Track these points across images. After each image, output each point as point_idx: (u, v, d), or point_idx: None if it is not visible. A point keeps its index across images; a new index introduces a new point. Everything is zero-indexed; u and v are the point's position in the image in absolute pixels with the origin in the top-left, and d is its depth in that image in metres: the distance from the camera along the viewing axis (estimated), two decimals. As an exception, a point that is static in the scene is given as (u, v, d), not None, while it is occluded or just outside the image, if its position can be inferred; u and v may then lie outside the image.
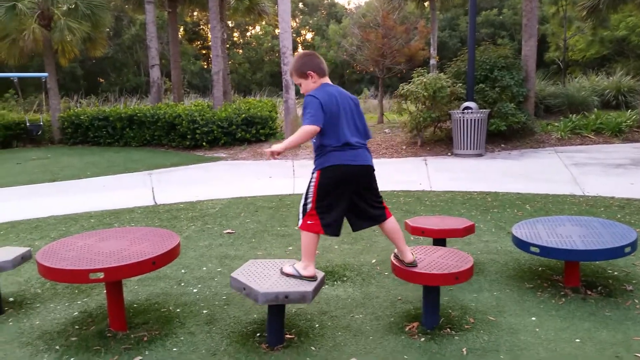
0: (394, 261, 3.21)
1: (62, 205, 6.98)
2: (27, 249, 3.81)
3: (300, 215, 3.06)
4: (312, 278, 3.00)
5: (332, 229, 3.01)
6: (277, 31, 42.12)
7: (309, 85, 3.05)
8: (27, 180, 9.12)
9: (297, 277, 3.01)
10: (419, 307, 3.41)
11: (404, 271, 3.09)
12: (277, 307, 2.95)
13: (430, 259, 3.22)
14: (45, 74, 14.42)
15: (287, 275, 3.05)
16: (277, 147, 2.92)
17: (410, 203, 6.67)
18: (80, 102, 23.63)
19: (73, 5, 15.38)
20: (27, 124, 14.93)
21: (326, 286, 3.86)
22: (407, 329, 3.16)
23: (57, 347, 3.04)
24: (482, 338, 3.01)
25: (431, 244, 4.07)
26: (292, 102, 11.58)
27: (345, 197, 3.04)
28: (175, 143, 12.85)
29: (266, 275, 3.05)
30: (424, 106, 10.94)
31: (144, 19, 17.90)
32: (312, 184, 3.04)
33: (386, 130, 13.64)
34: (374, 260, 4.44)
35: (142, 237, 3.41)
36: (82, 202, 7.12)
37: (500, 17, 34.54)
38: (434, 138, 11.64)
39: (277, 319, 2.99)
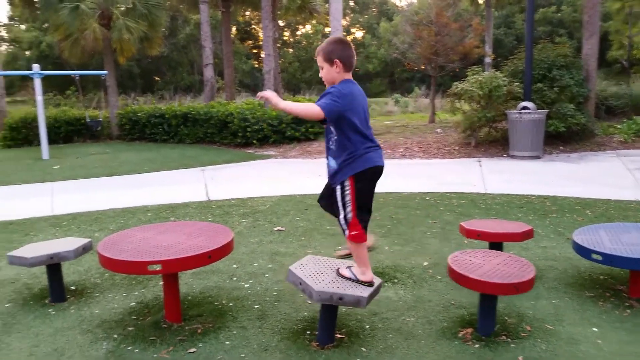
0: (451, 264, 3.13)
1: (120, 199, 7.24)
2: (88, 240, 3.97)
3: (344, 227, 2.95)
4: (369, 284, 2.95)
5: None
6: (327, 30, 42.23)
7: (331, 73, 2.88)
8: (87, 174, 9.54)
9: (354, 281, 2.97)
10: (473, 313, 3.32)
11: (461, 276, 3.00)
12: (329, 307, 2.94)
13: (491, 266, 3.11)
14: (105, 72, 15.04)
15: (344, 277, 3.00)
16: (273, 98, 2.77)
17: (464, 205, 6.50)
18: (137, 100, 24.51)
19: (131, 5, 15.96)
20: (87, 120, 15.62)
21: (377, 287, 3.82)
22: (460, 334, 3.07)
23: (115, 336, 3.15)
24: (540, 347, 2.89)
25: (487, 248, 3.95)
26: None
27: (371, 196, 3.04)
28: (226, 141, 13.10)
29: (323, 274, 3.04)
30: (478, 105, 10.67)
31: (199, 18, 18.36)
32: (348, 192, 2.91)
33: (438, 130, 13.40)
34: (425, 263, 4.36)
35: (198, 232, 3.48)
36: (139, 196, 7.36)
37: (559, 15, 33.22)
38: (488, 138, 11.32)
39: (329, 319, 2.98)
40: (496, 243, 4.01)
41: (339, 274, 3.03)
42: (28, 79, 32.71)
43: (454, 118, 12.67)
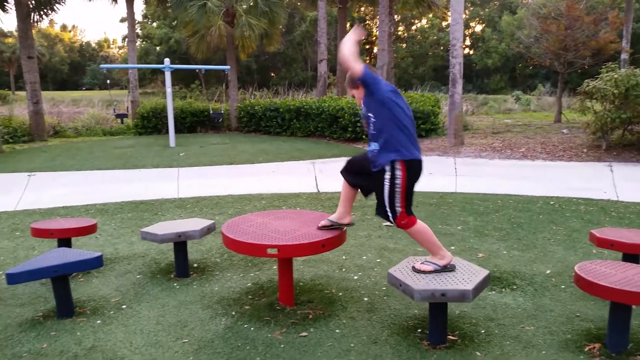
0: (579, 272, 2.88)
1: (238, 186, 7.64)
2: (212, 221, 4.23)
3: (391, 217, 3.00)
4: (450, 265, 2.97)
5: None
6: (444, 24, 41.04)
7: (360, 94, 3.10)
8: (208, 161, 10.18)
9: (439, 270, 2.95)
10: (601, 327, 3.02)
11: (589, 283, 2.74)
12: (438, 306, 2.84)
13: (624, 275, 2.81)
14: (228, 67, 15.91)
15: (424, 272, 2.95)
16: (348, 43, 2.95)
17: (593, 212, 5.96)
18: (254, 94, 25.70)
19: (252, 3, 16.73)
20: (210, 112, 16.67)
21: (493, 292, 3.63)
22: (587, 349, 2.81)
23: (233, 313, 3.32)
24: (687, 376, 2.55)
25: (619, 260, 3.58)
26: (458, 97, 11.14)
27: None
28: (336, 135, 13.25)
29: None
30: (612, 105, 9.69)
31: (315, 15, 18.74)
32: (399, 182, 2.95)
33: (564, 131, 12.42)
34: (548, 271, 4.05)
35: (312, 220, 3.55)
36: (255, 184, 7.72)
37: None
38: (622, 142, 10.26)
39: (439, 318, 2.88)
40: (632, 255, 3.62)
41: (415, 270, 2.98)
42: (158, 73, 35.83)
43: (584, 118, 11.64)
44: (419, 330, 3.06)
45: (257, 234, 3.24)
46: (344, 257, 4.43)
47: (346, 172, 3.33)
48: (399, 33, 41.83)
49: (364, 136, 12.46)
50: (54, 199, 7.10)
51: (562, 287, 3.72)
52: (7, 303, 3.52)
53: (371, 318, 3.23)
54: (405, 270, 3.00)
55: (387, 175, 2.94)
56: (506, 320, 3.19)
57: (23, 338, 2.99)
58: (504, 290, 3.68)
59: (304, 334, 3.01)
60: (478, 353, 2.79)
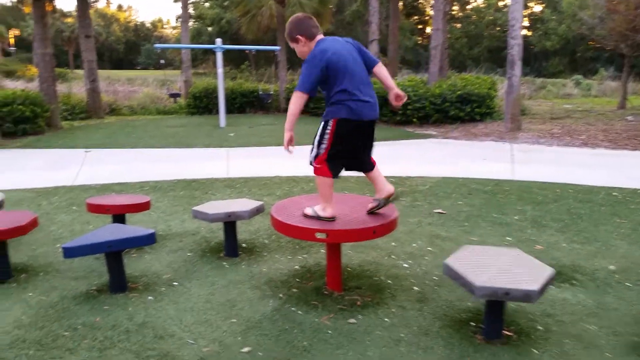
0: None
1: (286, 167, 7.63)
2: (261, 203, 4.22)
3: (311, 160, 3.14)
4: (330, 218, 3.09)
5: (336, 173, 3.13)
6: (500, 3, 39.41)
7: (300, 48, 3.12)
8: (257, 142, 10.25)
9: (315, 218, 3.12)
10: (674, 332, 2.81)
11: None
12: (496, 302, 2.71)
13: None
14: (278, 47, 15.89)
15: (307, 216, 3.16)
16: (286, 133, 3.13)
17: (660, 205, 5.58)
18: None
19: (306, -18, 16.58)
20: (260, 93, 16.76)
21: (552, 287, 3.45)
22: (657, 354, 2.62)
23: (281, 295, 3.30)
24: None
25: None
26: (516, 79, 10.67)
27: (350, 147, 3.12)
28: (385, 118, 13.02)
29: (484, 266, 2.81)
30: (685, 91, 9.02)
31: (368, -6, 18.34)
32: (328, 131, 3.05)
33: (629, 117, 11.73)
34: (612, 267, 3.81)
35: (362, 205, 3.46)
36: (302, 166, 7.66)
37: None
38: (693, 130, 9.58)
39: (496, 313, 2.75)
40: None
41: (304, 215, 3.18)
42: (209, 53, 36.27)
43: (651, 104, 10.93)
44: (473, 323, 2.94)
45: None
46: (393, 243, 4.33)
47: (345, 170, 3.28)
48: (454, 12, 40.53)
49: (414, 119, 12.19)
50: (110, 175, 7.33)
51: (628, 284, 3.49)
52: (64, 275, 3.65)
53: (422, 308, 3.13)
54: (463, 261, 2.87)
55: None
56: (565, 317, 3.02)
57: (78, 310, 3.08)
58: (563, 285, 3.49)
59: (352, 320, 2.95)
60: (535, 350, 2.65)
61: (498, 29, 38.94)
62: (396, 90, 3.17)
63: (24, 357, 2.57)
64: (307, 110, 15.66)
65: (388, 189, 3.20)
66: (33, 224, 3.65)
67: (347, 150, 3.10)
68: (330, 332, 2.83)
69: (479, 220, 5.06)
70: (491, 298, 2.60)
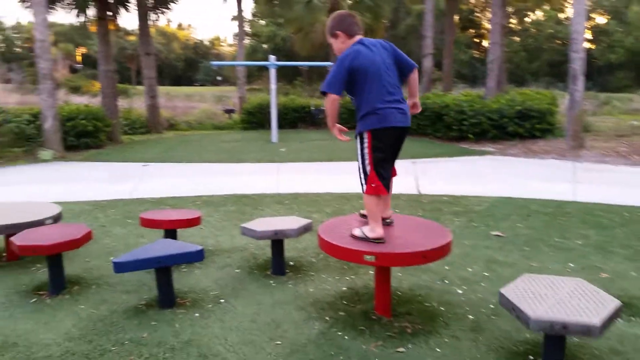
0: None
1: (336, 184, 7.56)
2: (309, 221, 4.16)
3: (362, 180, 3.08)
4: (379, 239, 2.99)
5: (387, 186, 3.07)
6: (561, 15, 38.06)
7: (338, 45, 3.10)
8: (308, 157, 10.25)
9: (363, 239, 3.02)
10: None
11: None
12: (554, 336, 2.50)
13: None
14: (330, 63, 15.95)
15: (355, 237, 3.05)
16: (333, 129, 3.14)
17: None
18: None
19: (359, -1, 16.63)
20: (312, 108, 16.86)
21: (620, 321, 3.16)
22: None
23: (327, 318, 3.20)
24: None
25: None
26: (578, 94, 10.17)
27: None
28: (439, 133, 12.75)
29: (542, 296, 2.61)
30: None
31: (421, 8, 18.19)
32: (366, 146, 3.01)
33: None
34: (691, 300, 3.47)
35: (414, 227, 3.33)
36: (353, 183, 7.57)
37: None
38: None
39: (556, 348, 2.54)
40: None
41: (351, 236, 3.09)
42: (263, 70, 37.05)
43: None
44: (531, 357, 2.73)
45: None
46: (446, 267, 4.15)
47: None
48: (512, 26, 39.53)
49: (469, 135, 11.85)
50: (165, 189, 7.51)
51: None
52: (114, 289, 3.71)
53: (476, 339, 2.95)
54: (520, 291, 2.68)
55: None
56: (636, 356, 2.75)
57: (126, 325, 3.11)
58: (633, 318, 3.20)
59: (402, 349, 2.81)
60: (603, 393, 2.42)
61: (559, 42, 37.58)
62: (416, 100, 3.27)
63: (71, 371, 2.60)
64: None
65: (389, 213, 3.30)
66: (87, 237, 3.75)
67: (386, 160, 3.07)
68: (377, 360, 2.70)
69: (539, 244, 4.78)
70: (547, 332, 2.41)
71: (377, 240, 2.99)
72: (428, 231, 3.26)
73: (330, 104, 2.99)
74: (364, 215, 3.39)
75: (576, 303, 2.54)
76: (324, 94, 3.02)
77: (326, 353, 2.78)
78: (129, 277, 3.90)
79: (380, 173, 3.00)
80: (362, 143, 3.01)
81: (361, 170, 3.05)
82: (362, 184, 3.08)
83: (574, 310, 2.44)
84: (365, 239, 3.03)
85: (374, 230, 3.02)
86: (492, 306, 3.39)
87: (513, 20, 39.90)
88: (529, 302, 2.54)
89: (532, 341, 2.90)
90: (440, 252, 3.00)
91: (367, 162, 3.00)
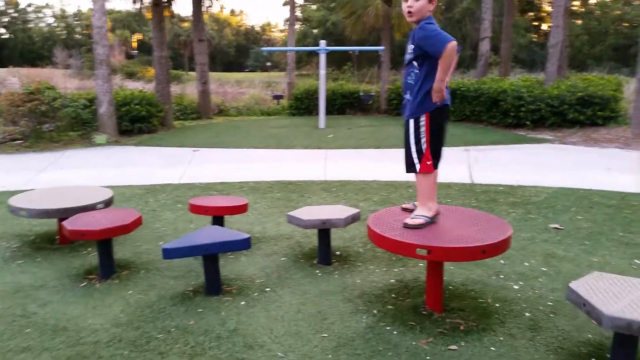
0: None
1: (384, 172, 7.39)
2: (357, 210, 4.04)
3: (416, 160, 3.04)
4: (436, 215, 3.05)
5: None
6: (630, -4, 35.69)
7: (426, 7, 2.90)
8: (355, 144, 10.09)
9: (428, 222, 3.01)
10: None
11: None
12: (627, 336, 2.29)
13: None
14: (382, 48, 15.62)
15: (416, 225, 2.98)
16: (435, 88, 2.88)
17: None
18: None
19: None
20: (361, 94, 16.61)
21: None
22: None
23: (375, 312, 3.09)
24: None
25: None
26: (647, 80, 9.48)
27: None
28: (495, 120, 12.25)
29: (616, 294, 2.41)
30: None
31: (478, -10, 17.47)
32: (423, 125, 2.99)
33: None
34: None
35: (470, 220, 3.15)
36: (402, 171, 7.38)
37: None
38: None
39: (627, 351, 2.33)
40: None
41: (408, 227, 2.99)
42: (313, 55, 36.97)
43: None
44: (593, 359, 2.53)
45: (405, 230, 2.95)
46: (502, 261, 3.94)
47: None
48: (574, 8, 37.53)
49: (527, 122, 11.32)
50: (213, 174, 7.58)
51: None
52: (163, 274, 3.73)
53: (534, 338, 2.76)
54: (591, 287, 2.49)
55: None
56: None
57: (173, 312, 3.11)
58: None
59: (454, 347, 2.67)
60: (681, 408, 2.19)
61: (626, 24, 35.34)
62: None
63: (118, 357, 2.62)
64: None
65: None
66: (137, 223, 3.78)
67: (442, 137, 3.07)
68: (428, 358, 2.57)
69: (601, 238, 4.47)
70: (623, 331, 2.22)
71: (433, 219, 3.07)
72: (486, 224, 3.08)
73: (452, 51, 2.76)
74: (405, 210, 3.36)
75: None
76: (440, 51, 2.78)
77: (374, 348, 2.67)
78: (177, 263, 3.93)
79: (435, 151, 3.03)
80: (417, 124, 3.00)
81: (414, 150, 3.03)
82: (414, 164, 3.05)
83: (653, 312, 2.23)
84: (425, 222, 3.02)
85: (430, 208, 3.07)
86: (550, 304, 3.18)
87: (576, 3, 37.86)
88: (602, 298, 2.37)
89: (595, 343, 2.69)
90: (501, 247, 2.82)
91: (423, 140, 2.99)
